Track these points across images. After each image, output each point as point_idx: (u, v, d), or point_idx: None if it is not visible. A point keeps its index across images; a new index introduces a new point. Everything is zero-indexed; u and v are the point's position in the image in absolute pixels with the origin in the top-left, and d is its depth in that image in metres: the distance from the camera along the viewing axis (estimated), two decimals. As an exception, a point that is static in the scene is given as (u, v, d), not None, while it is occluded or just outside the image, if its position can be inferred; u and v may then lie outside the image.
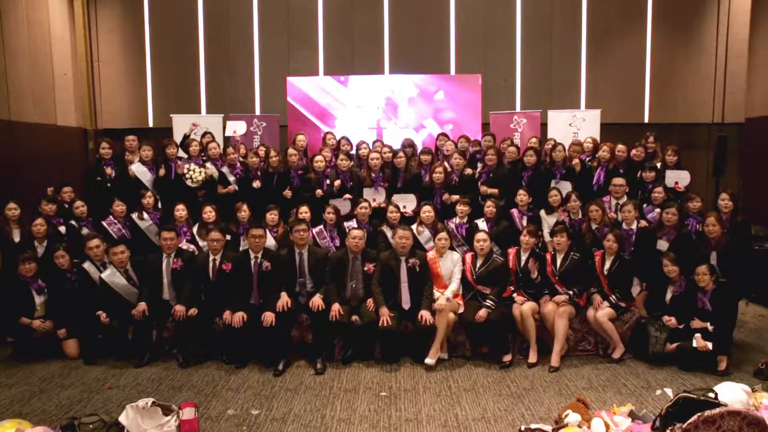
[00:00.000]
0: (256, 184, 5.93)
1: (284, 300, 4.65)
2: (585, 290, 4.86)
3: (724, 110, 8.80)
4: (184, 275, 4.89)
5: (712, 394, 2.94)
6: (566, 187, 5.81)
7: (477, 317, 4.62)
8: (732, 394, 3.11)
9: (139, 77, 9.11)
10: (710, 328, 4.43)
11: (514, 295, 4.89)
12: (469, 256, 4.98)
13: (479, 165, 6.20)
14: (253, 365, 4.64)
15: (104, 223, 5.51)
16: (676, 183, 5.78)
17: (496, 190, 5.80)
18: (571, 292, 4.76)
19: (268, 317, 4.55)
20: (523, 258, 4.92)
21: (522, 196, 5.51)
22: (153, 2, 9.04)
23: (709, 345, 4.37)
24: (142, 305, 4.69)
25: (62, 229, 5.51)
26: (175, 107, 8.71)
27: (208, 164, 6.10)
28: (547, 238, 5.28)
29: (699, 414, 2.55)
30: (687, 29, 8.87)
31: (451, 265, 4.93)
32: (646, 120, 8.94)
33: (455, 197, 5.70)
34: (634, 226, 5.16)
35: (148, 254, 5.05)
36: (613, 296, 4.75)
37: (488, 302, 4.71)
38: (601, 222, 5.17)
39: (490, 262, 4.88)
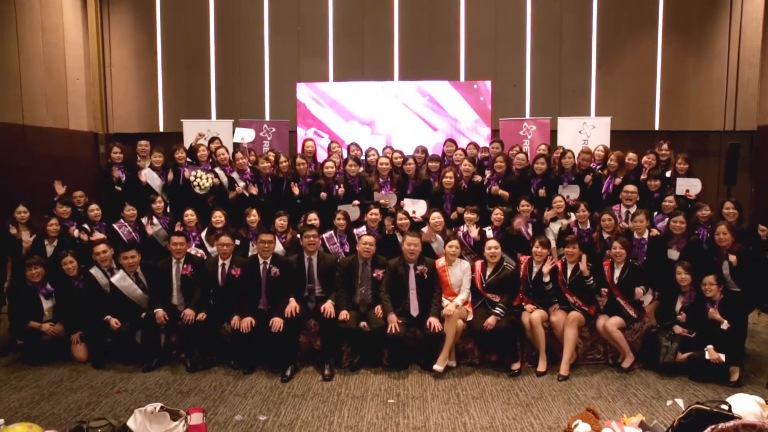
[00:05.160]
0: (254, 190, 5.93)
1: (293, 306, 4.65)
2: (595, 297, 4.82)
3: (735, 118, 8.73)
4: (193, 281, 4.91)
5: (725, 406, 2.89)
6: (573, 191, 5.78)
7: (486, 324, 4.60)
8: (745, 406, 3.06)
9: (151, 82, 9.19)
10: (725, 326, 4.36)
11: (523, 303, 4.86)
12: (478, 264, 4.95)
13: (487, 172, 6.18)
14: (260, 371, 4.64)
15: (115, 226, 5.55)
16: (687, 191, 5.73)
17: (506, 193, 5.78)
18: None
19: (277, 323, 4.55)
20: (535, 269, 4.89)
21: (525, 206, 5.48)
22: (165, 8, 9.14)
23: (722, 357, 4.32)
24: (161, 311, 4.70)
25: (76, 232, 5.55)
26: (185, 112, 8.78)
27: (217, 170, 6.11)
28: (552, 245, 5.25)
29: (713, 426, 2.52)
30: (698, 36, 8.82)
31: (460, 273, 4.91)
32: (657, 127, 8.89)
33: (461, 210, 5.66)
34: (645, 236, 5.12)
35: (157, 259, 5.07)
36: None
37: (497, 310, 4.69)
38: (613, 231, 5.13)
39: (500, 270, 4.86)
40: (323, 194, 5.84)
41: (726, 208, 5.09)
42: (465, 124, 8.24)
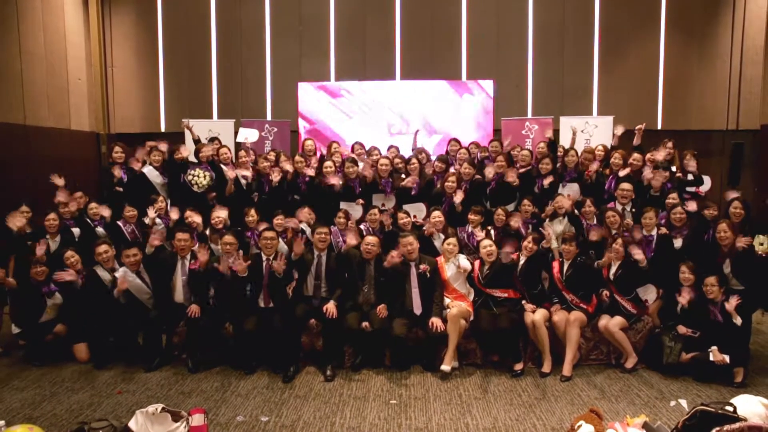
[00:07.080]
0: (275, 176, 5.92)
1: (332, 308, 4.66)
2: (593, 294, 4.80)
3: (738, 117, 8.70)
4: (201, 275, 4.85)
5: (730, 408, 2.88)
6: (573, 189, 5.76)
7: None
8: (750, 407, 3.04)
9: (152, 82, 9.20)
10: (738, 320, 4.32)
11: (523, 302, 4.84)
12: (477, 263, 4.95)
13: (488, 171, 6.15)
14: (262, 371, 4.63)
15: (119, 223, 5.55)
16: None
17: (510, 207, 5.75)
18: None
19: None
20: (522, 261, 4.91)
21: (526, 207, 5.47)
22: (166, 8, 9.14)
23: (727, 358, 4.30)
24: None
25: (76, 231, 5.54)
26: (187, 112, 8.76)
27: (222, 166, 6.09)
28: (553, 245, 5.23)
29: (718, 428, 2.51)
30: (701, 35, 8.79)
31: (454, 268, 4.89)
32: (660, 127, 8.86)
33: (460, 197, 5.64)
34: (653, 233, 5.11)
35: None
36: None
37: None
38: (619, 228, 5.13)
39: (496, 261, 4.84)
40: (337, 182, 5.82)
41: (734, 207, 5.05)
42: (467, 124, 8.21)
